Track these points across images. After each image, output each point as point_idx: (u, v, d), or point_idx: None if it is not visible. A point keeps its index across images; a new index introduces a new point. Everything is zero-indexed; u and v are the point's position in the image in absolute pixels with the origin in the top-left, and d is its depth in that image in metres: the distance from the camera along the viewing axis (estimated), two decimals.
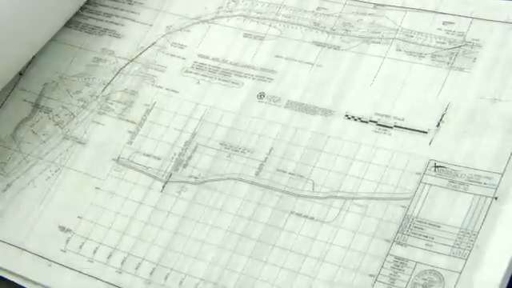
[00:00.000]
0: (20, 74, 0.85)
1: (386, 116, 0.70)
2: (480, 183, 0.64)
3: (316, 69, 0.75)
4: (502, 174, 0.64)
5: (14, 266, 0.75)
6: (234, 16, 0.80)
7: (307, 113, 0.73)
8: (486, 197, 0.64)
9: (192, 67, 0.79)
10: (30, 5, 0.80)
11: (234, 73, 0.78)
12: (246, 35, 0.79)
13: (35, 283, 0.74)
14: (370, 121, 0.71)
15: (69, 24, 0.86)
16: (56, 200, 0.77)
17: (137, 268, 0.71)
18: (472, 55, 0.70)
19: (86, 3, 0.87)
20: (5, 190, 0.79)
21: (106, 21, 0.86)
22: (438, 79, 0.70)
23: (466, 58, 0.70)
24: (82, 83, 0.83)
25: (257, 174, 0.72)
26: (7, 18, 0.78)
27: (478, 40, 0.71)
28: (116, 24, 0.85)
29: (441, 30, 0.72)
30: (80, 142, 0.79)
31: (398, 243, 0.65)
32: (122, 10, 0.86)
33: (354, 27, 0.75)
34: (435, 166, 0.66)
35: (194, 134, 0.76)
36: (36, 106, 0.83)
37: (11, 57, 0.81)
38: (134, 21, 0.84)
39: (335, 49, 0.75)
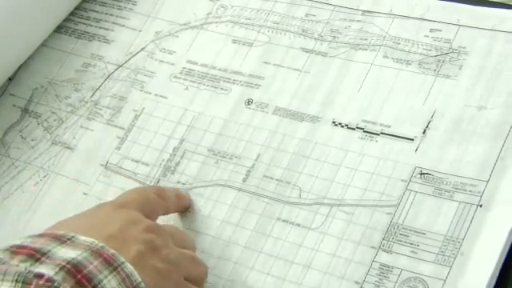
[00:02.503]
0: (9, 79, 0.85)
1: (373, 123, 0.70)
2: (465, 191, 0.65)
3: (304, 75, 0.75)
4: (487, 182, 0.64)
5: None
6: (223, 22, 0.81)
7: (295, 119, 0.73)
8: (471, 204, 0.64)
9: (181, 73, 0.80)
10: (21, 10, 0.80)
11: (222, 79, 0.78)
12: (234, 41, 0.79)
13: None
14: (357, 127, 0.71)
15: (58, 29, 0.86)
16: (44, 205, 0.77)
17: None
18: (458, 63, 0.70)
19: (75, 9, 0.87)
20: None
21: (96, 26, 0.86)
22: (425, 86, 0.70)
23: (452, 65, 0.70)
24: (71, 88, 0.83)
25: (244, 180, 0.72)
26: None
27: (464, 47, 0.71)
28: (105, 29, 0.85)
29: (428, 37, 0.72)
30: (69, 148, 0.80)
31: (384, 250, 0.65)
32: (112, 15, 0.86)
33: (341, 34, 0.76)
34: (421, 174, 0.67)
35: (182, 140, 0.76)
36: (25, 111, 0.83)
37: (1, 62, 0.81)
38: (123, 26, 0.85)
39: (323, 55, 0.75)
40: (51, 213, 0.77)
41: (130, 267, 0.57)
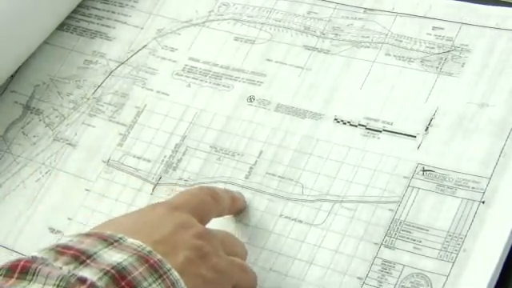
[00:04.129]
0: (11, 76, 0.85)
1: (375, 120, 0.71)
2: (468, 187, 0.65)
3: (306, 72, 0.75)
4: (490, 179, 0.65)
5: None
6: (225, 20, 0.81)
7: (297, 116, 0.73)
8: (474, 201, 0.64)
9: (183, 70, 0.80)
10: (23, 9, 0.80)
11: (224, 76, 0.78)
12: (236, 39, 0.79)
13: None
14: (359, 125, 0.71)
15: (60, 26, 0.86)
16: (46, 201, 0.77)
17: None
18: (461, 60, 0.71)
19: (77, 6, 0.87)
20: None
21: (98, 23, 0.86)
22: (427, 84, 0.70)
23: (454, 62, 0.71)
24: (72, 85, 0.83)
25: (246, 177, 0.72)
26: (1, 21, 0.78)
27: (466, 45, 0.71)
28: (107, 27, 0.85)
29: (430, 35, 0.73)
30: (70, 144, 0.80)
31: (386, 246, 0.65)
32: (114, 12, 0.86)
33: (343, 31, 0.76)
34: (423, 170, 0.67)
35: (184, 137, 0.76)
36: (27, 108, 0.83)
37: (5, 59, 0.81)
38: (125, 23, 0.85)
39: (325, 53, 0.75)
40: (53, 209, 0.77)
41: (176, 275, 0.55)
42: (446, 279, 0.62)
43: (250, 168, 0.72)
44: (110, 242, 0.55)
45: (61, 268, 0.52)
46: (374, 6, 0.76)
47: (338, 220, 0.67)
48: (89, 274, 0.52)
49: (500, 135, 0.66)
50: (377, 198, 0.67)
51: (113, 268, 0.53)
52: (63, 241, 0.55)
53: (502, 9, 0.72)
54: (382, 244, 0.65)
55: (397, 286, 0.63)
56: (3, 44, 0.80)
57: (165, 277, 0.55)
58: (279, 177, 0.71)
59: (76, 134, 0.80)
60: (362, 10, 0.76)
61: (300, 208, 0.69)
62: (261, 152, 0.73)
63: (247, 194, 0.71)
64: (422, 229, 0.65)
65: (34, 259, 0.53)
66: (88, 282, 0.51)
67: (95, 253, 0.54)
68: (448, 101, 0.69)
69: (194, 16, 0.82)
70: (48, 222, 0.76)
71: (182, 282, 0.55)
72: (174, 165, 0.75)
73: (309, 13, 0.78)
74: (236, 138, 0.74)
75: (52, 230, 0.76)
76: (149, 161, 0.76)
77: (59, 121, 0.81)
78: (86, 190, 0.77)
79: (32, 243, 0.76)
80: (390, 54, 0.73)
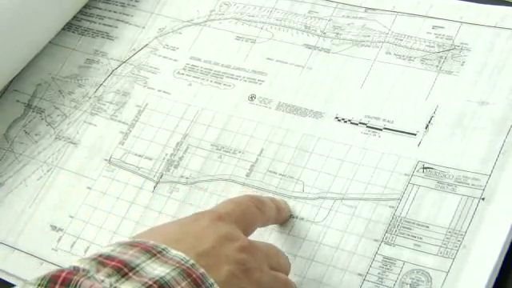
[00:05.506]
0: None
1: (376, 118, 0.71)
2: (468, 184, 0.65)
3: (307, 71, 0.76)
4: (490, 176, 0.65)
5: (6, 264, 0.76)
6: (226, 19, 0.81)
7: (298, 115, 0.74)
8: (474, 198, 0.65)
9: (184, 69, 0.80)
10: (30, 10, 0.81)
11: (225, 75, 0.78)
12: (237, 38, 0.80)
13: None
14: (360, 123, 0.71)
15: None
16: (48, 199, 0.78)
17: None
18: (461, 59, 0.71)
19: None
20: None
21: (100, 23, 0.86)
22: (427, 82, 0.71)
23: (454, 61, 0.71)
24: (74, 84, 0.83)
25: (248, 174, 0.73)
26: (7, 22, 0.79)
27: (466, 44, 0.71)
28: (109, 26, 0.86)
29: (430, 33, 0.73)
30: (72, 143, 0.80)
31: (387, 243, 0.65)
32: (115, 12, 0.86)
33: (344, 30, 0.76)
34: (423, 168, 0.67)
35: (185, 135, 0.76)
36: (28, 107, 0.84)
37: (11, 60, 0.82)
38: (126, 23, 0.85)
39: (326, 52, 0.76)
40: (55, 207, 0.77)
41: None
42: (446, 275, 0.62)
43: (251, 166, 0.73)
44: (153, 253, 0.54)
45: (103, 281, 0.51)
46: (374, 5, 0.76)
47: (338, 217, 0.68)
48: (131, 287, 0.51)
49: (499, 133, 0.66)
50: (377, 196, 0.67)
51: (155, 282, 0.52)
52: (106, 250, 0.54)
53: (501, 8, 0.72)
54: (382, 241, 0.65)
55: (397, 282, 0.63)
56: (10, 45, 0.80)
57: None
58: (280, 175, 0.72)
59: (78, 133, 0.80)
60: (363, 10, 0.77)
61: (301, 206, 0.70)
62: (262, 150, 0.73)
63: (248, 192, 0.71)
64: (422, 225, 0.65)
65: (76, 270, 0.52)
66: None
67: (138, 265, 0.53)
68: (448, 99, 0.70)
69: (195, 15, 0.83)
70: (50, 219, 0.77)
71: None
72: (176, 163, 0.75)
73: (310, 12, 0.78)
74: (237, 136, 0.75)
75: (54, 228, 0.76)
76: (150, 159, 0.76)
77: (61, 119, 0.82)
78: (88, 188, 0.77)
79: (33, 241, 0.76)
80: (390, 53, 0.74)
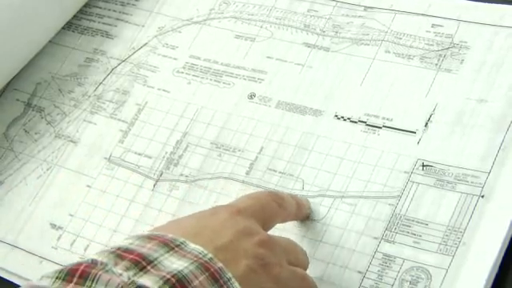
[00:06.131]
0: None
1: (375, 116, 0.71)
2: (467, 182, 0.65)
3: (306, 70, 0.76)
4: (489, 173, 0.65)
5: (6, 262, 0.76)
6: (226, 18, 0.81)
7: (297, 113, 0.74)
8: (473, 195, 0.65)
9: (183, 68, 0.80)
10: (30, 9, 0.81)
11: (225, 73, 0.78)
12: (237, 36, 0.80)
13: (26, 280, 0.74)
14: (359, 121, 0.72)
15: None
16: (47, 198, 0.78)
17: None
18: (460, 57, 0.71)
19: None
20: None
21: (99, 22, 0.86)
22: (427, 80, 0.71)
23: (453, 59, 0.71)
24: (74, 83, 0.84)
25: (247, 173, 0.73)
26: (7, 21, 0.79)
27: (465, 42, 0.72)
28: (109, 25, 0.86)
29: (429, 32, 0.73)
30: (72, 141, 0.80)
31: (386, 241, 0.65)
32: (115, 11, 0.86)
33: (343, 29, 0.76)
34: (423, 165, 0.67)
35: (185, 134, 0.77)
36: (28, 105, 0.84)
37: (11, 59, 0.82)
38: (126, 22, 0.85)
39: (325, 50, 0.76)
40: (54, 205, 0.77)
41: (236, 285, 0.54)
42: (446, 272, 0.62)
43: (251, 164, 0.73)
44: (171, 246, 0.54)
45: (121, 274, 0.51)
46: (373, 3, 0.76)
47: (338, 215, 0.68)
48: (149, 281, 0.51)
49: (498, 130, 0.67)
50: (377, 193, 0.68)
51: (173, 276, 0.52)
52: (124, 243, 0.54)
53: (500, 6, 0.72)
54: (382, 238, 0.66)
55: (397, 279, 0.64)
56: (10, 44, 0.80)
57: (225, 287, 0.53)
58: (280, 173, 0.72)
59: (77, 131, 0.80)
60: (362, 8, 0.77)
61: None
62: (261, 148, 0.73)
63: (248, 190, 0.71)
64: (421, 223, 0.65)
65: (94, 263, 0.52)
66: None
67: (156, 258, 0.53)
68: (447, 97, 0.70)
69: (194, 14, 0.83)
70: (49, 218, 0.77)
71: None
72: (175, 161, 0.76)
73: (309, 11, 0.79)
74: (237, 134, 0.75)
75: (53, 226, 0.76)
76: (150, 157, 0.77)
77: (60, 118, 0.82)
78: (88, 186, 0.77)
79: (33, 239, 0.76)
80: (389, 52, 0.74)
